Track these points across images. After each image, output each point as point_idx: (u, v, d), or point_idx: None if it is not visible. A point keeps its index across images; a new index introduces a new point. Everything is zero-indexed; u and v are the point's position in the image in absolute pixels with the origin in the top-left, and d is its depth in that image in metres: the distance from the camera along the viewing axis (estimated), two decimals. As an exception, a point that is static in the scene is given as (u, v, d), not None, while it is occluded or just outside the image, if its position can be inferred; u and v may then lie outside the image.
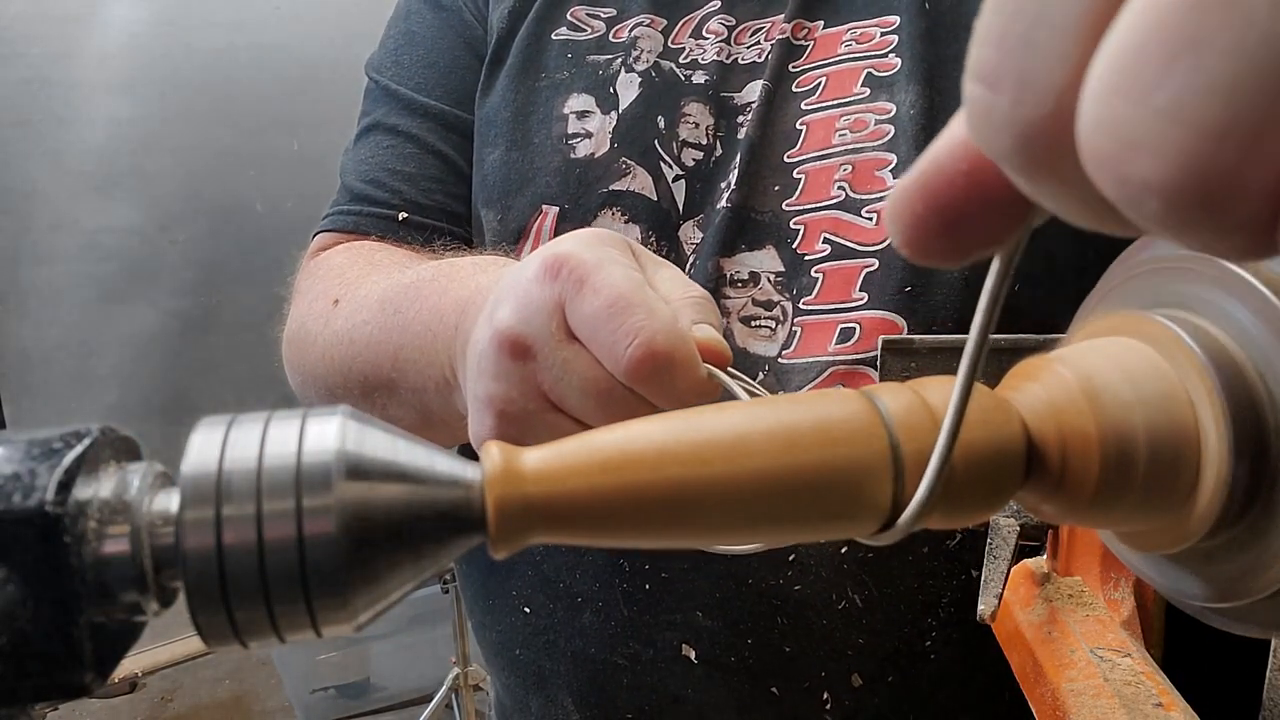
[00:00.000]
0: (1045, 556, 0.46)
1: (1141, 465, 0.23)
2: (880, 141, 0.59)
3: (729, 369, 0.38)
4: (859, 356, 0.55)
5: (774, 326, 0.58)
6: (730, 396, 0.36)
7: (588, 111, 0.65)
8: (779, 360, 0.58)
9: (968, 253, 0.18)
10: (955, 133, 0.18)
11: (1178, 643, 0.45)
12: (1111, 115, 0.12)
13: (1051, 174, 0.14)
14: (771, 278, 0.59)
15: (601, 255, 0.39)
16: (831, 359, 0.56)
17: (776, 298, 0.59)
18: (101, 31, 2.53)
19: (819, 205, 0.59)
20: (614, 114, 0.64)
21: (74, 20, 2.49)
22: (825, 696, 0.57)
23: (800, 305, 0.58)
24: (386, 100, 0.72)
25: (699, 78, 0.64)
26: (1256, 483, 0.23)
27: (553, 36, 0.68)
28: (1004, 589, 0.42)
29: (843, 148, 0.59)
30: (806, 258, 0.58)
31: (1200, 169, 0.12)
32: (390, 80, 0.72)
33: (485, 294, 0.46)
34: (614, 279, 0.37)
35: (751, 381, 0.39)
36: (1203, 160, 0.12)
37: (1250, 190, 0.12)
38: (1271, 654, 0.36)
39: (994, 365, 0.41)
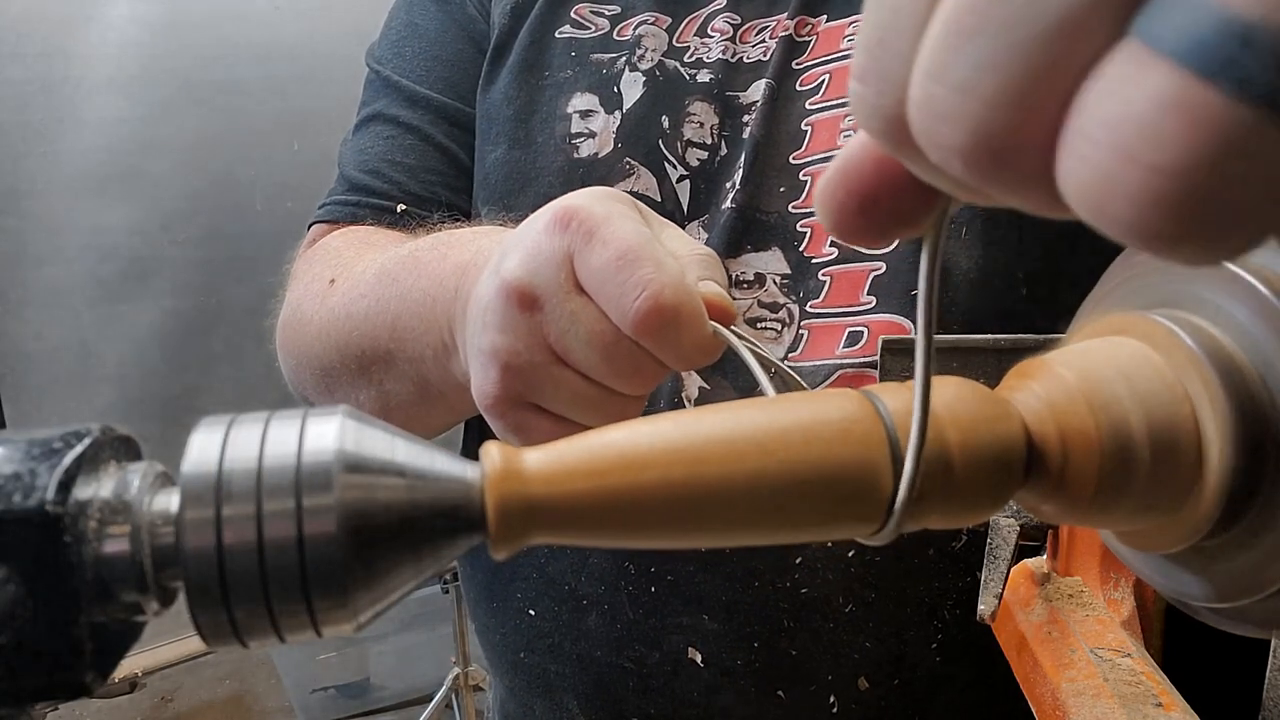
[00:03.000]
0: (1045, 556, 0.46)
1: (1141, 465, 0.23)
2: None
3: (733, 327, 0.38)
4: (867, 360, 0.55)
5: (780, 329, 0.58)
6: (735, 353, 0.36)
7: (591, 111, 0.65)
8: (784, 363, 0.57)
9: (886, 232, 0.21)
10: (861, 136, 0.20)
11: (1178, 643, 0.45)
12: (924, 94, 0.16)
13: (911, 151, 0.17)
14: (777, 279, 0.59)
15: (611, 209, 0.38)
16: (839, 362, 0.56)
17: (782, 300, 0.58)
18: (101, 31, 2.53)
19: None
20: (618, 113, 0.64)
21: (74, 20, 2.49)
22: (831, 700, 0.57)
23: (807, 308, 0.57)
24: (388, 91, 0.71)
25: (704, 76, 0.64)
26: (1256, 482, 0.23)
27: (556, 34, 0.68)
28: (1004, 589, 0.42)
29: None
30: (813, 260, 0.58)
31: (986, 131, 0.15)
32: (392, 71, 0.71)
33: (486, 256, 0.45)
34: (623, 232, 0.37)
35: (755, 340, 0.38)
36: (987, 124, 0.15)
37: (1026, 147, 0.15)
38: (1271, 654, 0.36)
39: (994, 365, 0.41)
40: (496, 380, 0.40)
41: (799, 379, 0.38)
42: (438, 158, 0.70)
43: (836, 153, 0.60)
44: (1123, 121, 0.13)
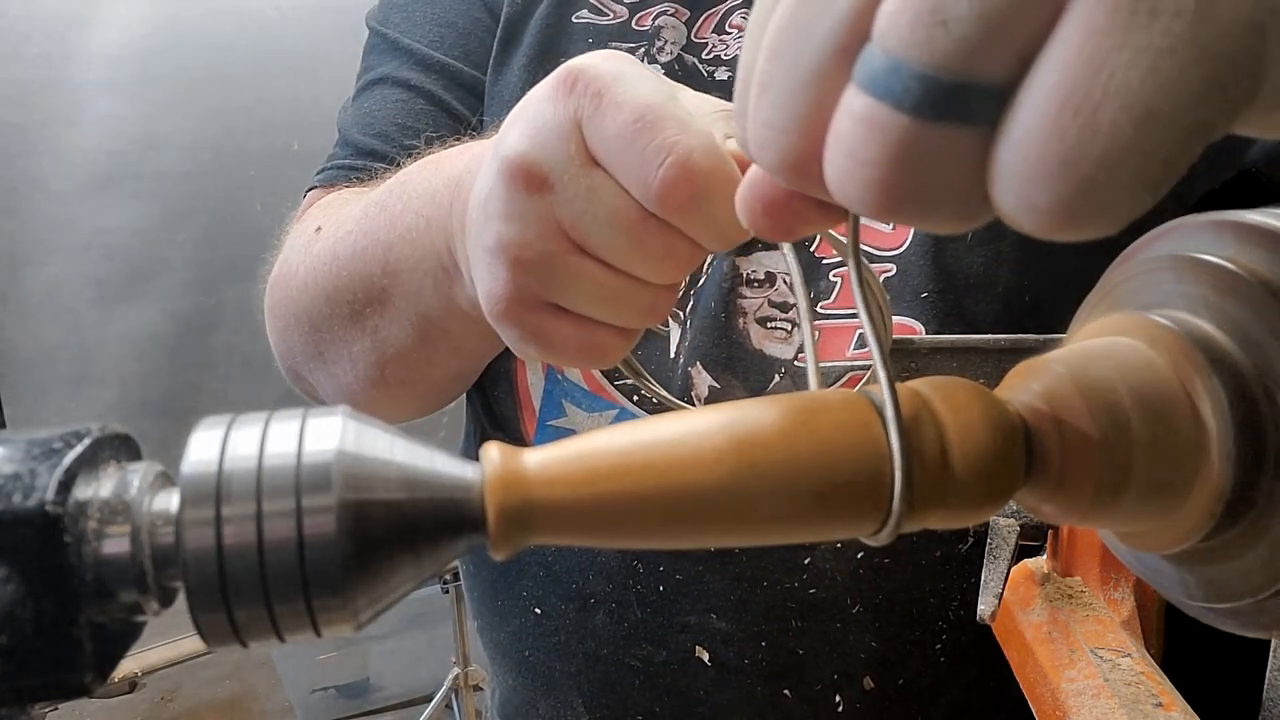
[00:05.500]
0: (1045, 556, 0.46)
1: (1140, 465, 0.23)
2: None
3: None
4: None
5: (790, 329, 0.58)
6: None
7: None
8: (795, 363, 0.57)
9: (792, 229, 0.25)
10: None
11: (1178, 643, 0.45)
12: (753, 134, 0.22)
13: (808, 181, 0.22)
14: (787, 279, 0.58)
15: (622, 68, 0.33)
16: (849, 364, 0.55)
17: (793, 299, 0.58)
18: (101, 31, 2.53)
19: None
20: None
21: (74, 20, 2.49)
22: (837, 699, 0.57)
23: (818, 309, 0.57)
24: (396, 54, 0.67)
25: (721, 74, 0.63)
26: (1255, 482, 0.23)
27: (574, 19, 0.66)
28: (1004, 589, 0.42)
29: None
30: (824, 261, 0.58)
31: (785, 153, 0.21)
32: (400, 35, 0.68)
33: (480, 161, 0.39)
34: (639, 91, 0.32)
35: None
36: (784, 148, 0.21)
37: (811, 160, 0.20)
38: (1271, 654, 0.36)
39: (994, 365, 0.41)
40: (506, 279, 0.35)
41: (838, 238, 0.33)
42: (451, 124, 0.66)
43: None
44: (845, 134, 0.19)
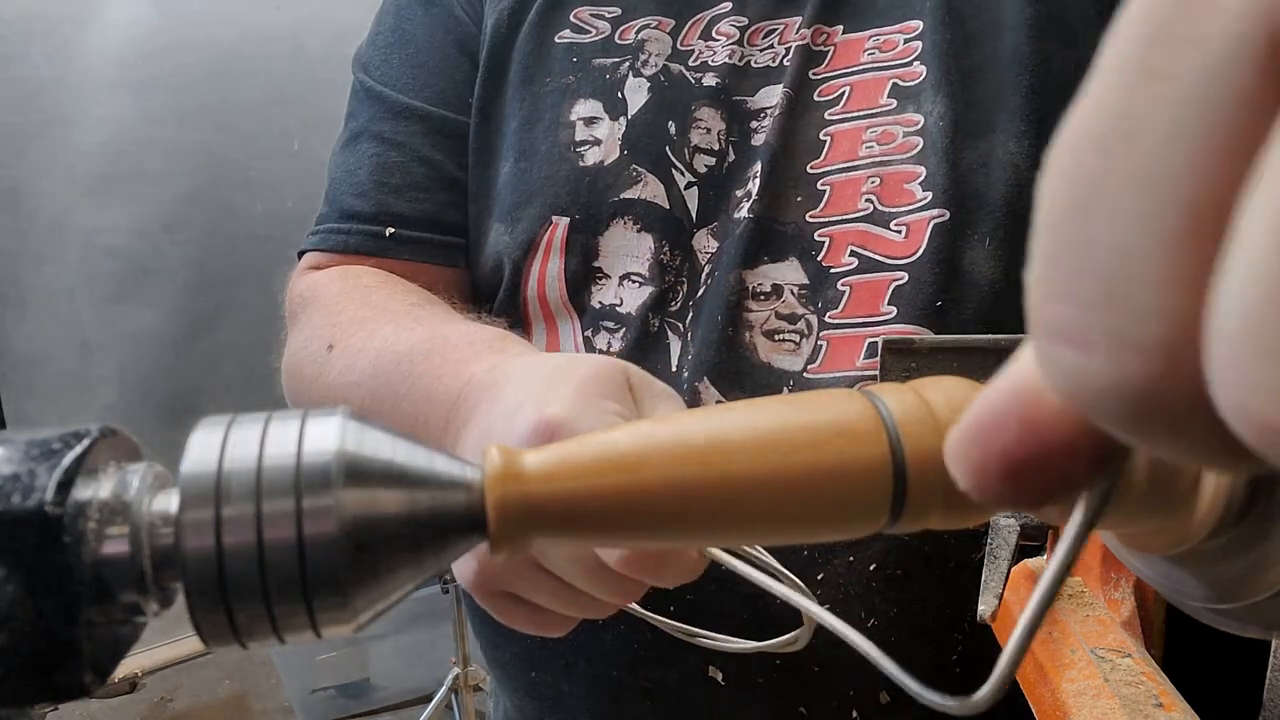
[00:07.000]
0: (1045, 556, 0.46)
1: (1141, 465, 0.23)
2: (909, 154, 0.57)
3: None
4: None
5: (798, 340, 0.57)
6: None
7: (596, 118, 0.63)
8: (804, 375, 0.57)
9: (1040, 498, 0.17)
10: (1008, 381, 0.17)
11: (1178, 643, 0.45)
12: (1262, 377, 0.11)
13: (1169, 427, 0.13)
14: (795, 290, 0.58)
15: (594, 423, 0.36)
16: (859, 374, 0.55)
17: (801, 310, 0.57)
18: (101, 31, 2.53)
19: (845, 217, 0.58)
20: (623, 120, 0.63)
21: (74, 20, 2.49)
22: (854, 715, 0.57)
23: (826, 319, 0.57)
24: (372, 104, 0.71)
25: (709, 80, 0.63)
26: (1256, 484, 0.23)
27: (556, 39, 0.66)
28: (1004, 589, 0.42)
29: (870, 160, 0.58)
30: (832, 270, 0.57)
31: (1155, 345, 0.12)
32: (377, 81, 0.71)
33: (478, 390, 0.44)
34: None
35: (751, 551, 0.37)
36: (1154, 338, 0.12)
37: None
38: (1271, 654, 0.36)
39: (994, 365, 0.41)
40: (475, 572, 0.40)
41: (798, 582, 0.37)
42: (423, 173, 0.69)
43: (857, 163, 0.59)
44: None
